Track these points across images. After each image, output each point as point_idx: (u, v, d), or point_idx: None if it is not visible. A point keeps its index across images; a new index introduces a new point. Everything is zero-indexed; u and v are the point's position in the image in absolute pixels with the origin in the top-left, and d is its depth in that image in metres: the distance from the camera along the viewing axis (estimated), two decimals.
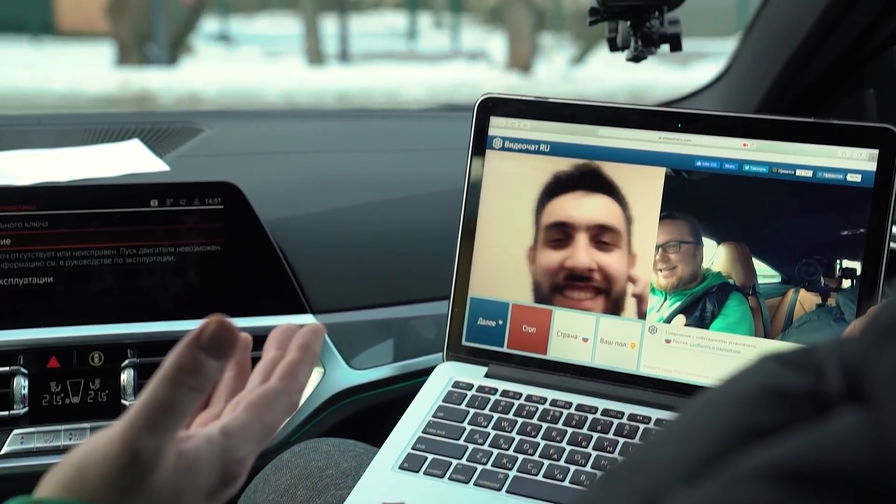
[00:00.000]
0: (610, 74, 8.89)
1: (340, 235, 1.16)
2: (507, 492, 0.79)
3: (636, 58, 1.02)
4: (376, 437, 0.88)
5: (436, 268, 1.08)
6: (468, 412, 0.87)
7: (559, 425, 0.85)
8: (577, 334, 0.91)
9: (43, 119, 1.42)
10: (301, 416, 1.03)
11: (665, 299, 0.89)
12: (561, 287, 0.91)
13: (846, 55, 1.22)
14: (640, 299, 0.89)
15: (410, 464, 0.82)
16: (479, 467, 0.81)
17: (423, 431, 0.85)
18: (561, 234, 0.92)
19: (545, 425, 0.85)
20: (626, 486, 0.31)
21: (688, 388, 0.87)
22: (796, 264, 0.85)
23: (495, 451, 0.83)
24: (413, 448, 0.83)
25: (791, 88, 1.28)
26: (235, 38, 12.82)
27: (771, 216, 0.86)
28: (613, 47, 1.06)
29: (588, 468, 0.81)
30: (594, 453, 0.82)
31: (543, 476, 0.80)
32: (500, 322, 0.93)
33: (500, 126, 0.94)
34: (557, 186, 0.92)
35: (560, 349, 0.91)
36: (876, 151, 0.83)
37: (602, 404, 0.87)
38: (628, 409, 0.86)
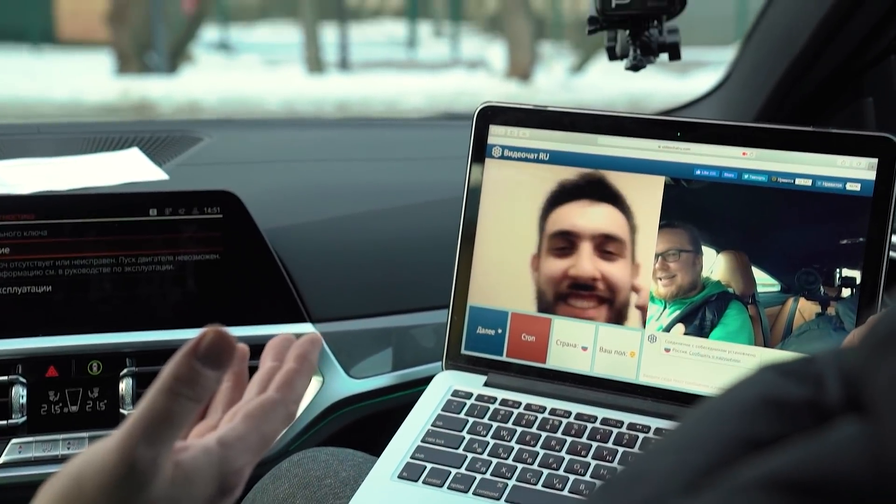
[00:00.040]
0: (609, 83, 8.91)
1: (340, 244, 1.16)
2: (506, 501, 0.79)
3: (635, 67, 1.02)
4: (375, 447, 0.88)
5: (435, 276, 1.08)
6: (467, 421, 0.87)
7: (558, 434, 0.85)
8: (576, 343, 0.91)
9: (42, 128, 1.42)
10: (300, 426, 1.03)
11: (664, 308, 0.89)
12: (564, 296, 0.91)
13: (845, 64, 1.22)
14: (643, 309, 0.89)
15: (409, 473, 0.82)
16: (479, 476, 0.81)
17: (422, 440, 0.85)
18: (565, 243, 0.92)
19: (544, 434, 0.85)
20: (625, 497, 0.31)
21: (687, 397, 0.87)
22: (796, 273, 0.85)
23: (494, 461, 0.82)
24: (412, 457, 0.83)
25: (790, 97, 1.28)
26: (235, 46, 12.85)
27: (770, 225, 0.86)
28: (612, 56, 1.06)
29: (587, 477, 0.80)
30: (593, 462, 0.82)
31: (542, 485, 0.80)
32: (500, 331, 0.93)
33: (499, 134, 0.94)
34: (562, 195, 0.92)
35: (559, 358, 0.91)
36: (875, 160, 0.83)
37: (601, 413, 0.87)
38: (628, 418, 0.86)
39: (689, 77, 8.86)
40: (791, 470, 0.28)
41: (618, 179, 0.90)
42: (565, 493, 0.79)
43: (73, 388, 0.98)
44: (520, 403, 0.88)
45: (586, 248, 0.91)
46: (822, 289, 0.84)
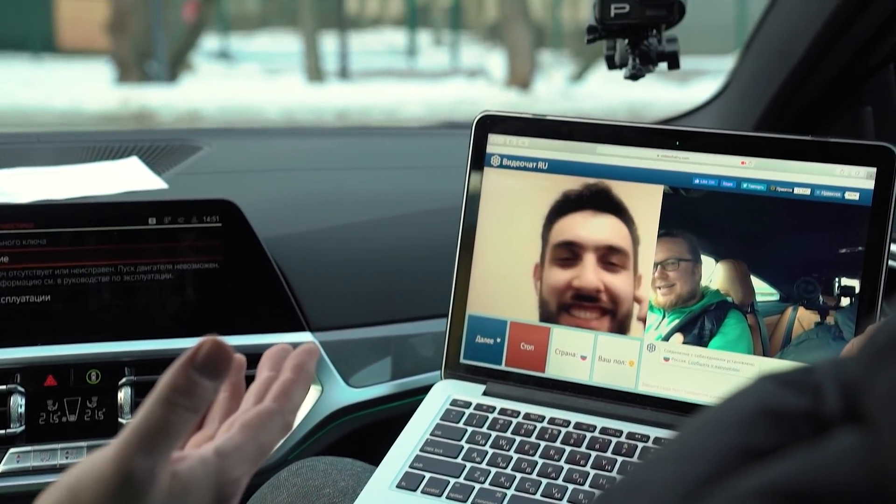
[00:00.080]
0: (609, 92, 8.92)
1: (339, 253, 1.16)
2: None
3: (634, 76, 1.03)
4: (374, 456, 0.87)
5: (434, 285, 1.08)
6: (466, 430, 0.87)
7: (557, 444, 0.85)
8: (575, 352, 0.91)
9: (42, 137, 1.42)
10: (298, 435, 1.03)
11: (663, 317, 0.89)
12: (568, 306, 0.91)
13: (844, 73, 1.22)
14: (645, 321, 0.89)
15: (408, 482, 0.81)
16: (477, 486, 0.81)
17: (421, 450, 0.85)
18: (569, 254, 0.91)
19: (543, 443, 0.85)
20: None
21: (686, 407, 0.87)
22: (795, 282, 0.85)
23: (493, 470, 0.82)
24: (411, 466, 0.83)
25: (789, 106, 1.28)
26: (235, 55, 12.88)
27: (769, 234, 0.86)
28: (611, 65, 1.06)
29: (586, 487, 0.80)
30: (592, 472, 0.82)
31: (541, 495, 0.80)
32: (499, 340, 0.93)
33: (498, 143, 0.94)
34: (565, 205, 0.92)
35: (558, 367, 0.91)
36: (874, 169, 0.83)
37: (600, 422, 0.87)
38: (627, 427, 0.86)
39: (689, 86, 8.88)
40: (789, 480, 0.28)
41: (618, 189, 0.90)
42: (564, 502, 0.79)
43: (72, 397, 0.97)
44: (519, 413, 0.88)
45: (590, 260, 0.91)
46: (821, 298, 0.84)
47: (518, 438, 0.85)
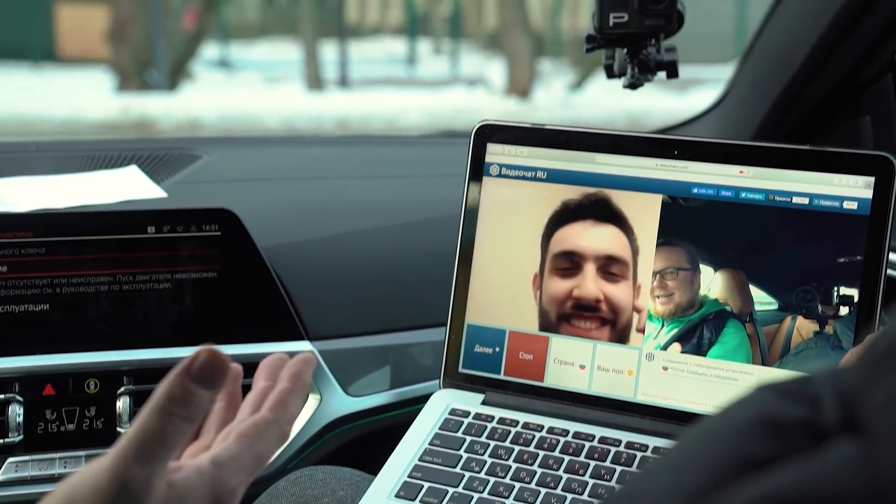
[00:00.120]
0: (608, 100, 8.93)
1: (338, 262, 1.15)
2: None
3: (633, 85, 1.03)
4: (373, 465, 0.87)
5: (433, 294, 1.07)
6: (465, 440, 0.86)
7: (556, 453, 0.84)
8: (574, 361, 0.91)
9: (41, 146, 1.42)
10: (297, 444, 1.03)
11: (662, 326, 0.88)
12: (567, 316, 0.91)
13: (842, 82, 1.22)
14: (644, 330, 0.89)
15: (407, 492, 0.81)
16: (476, 496, 0.81)
17: (420, 459, 0.85)
18: (569, 263, 0.91)
19: (542, 453, 0.84)
20: None
21: (685, 416, 0.86)
22: (793, 291, 0.85)
23: (492, 480, 0.82)
24: (409, 476, 0.83)
25: (788, 115, 1.28)
26: (235, 63, 12.90)
27: (768, 243, 0.86)
28: (610, 74, 1.06)
29: (585, 496, 0.80)
30: (591, 481, 0.81)
31: None
32: (497, 349, 0.93)
33: (496, 153, 0.94)
34: (565, 214, 0.92)
35: (557, 376, 0.91)
36: (872, 179, 0.83)
37: (599, 432, 0.86)
38: (625, 436, 0.86)
39: (688, 95, 8.89)
40: (787, 490, 0.28)
41: (617, 198, 0.90)
42: None
43: (70, 406, 0.97)
44: (517, 422, 0.88)
45: (590, 270, 0.91)
46: (819, 307, 0.84)
47: (517, 448, 0.85)
